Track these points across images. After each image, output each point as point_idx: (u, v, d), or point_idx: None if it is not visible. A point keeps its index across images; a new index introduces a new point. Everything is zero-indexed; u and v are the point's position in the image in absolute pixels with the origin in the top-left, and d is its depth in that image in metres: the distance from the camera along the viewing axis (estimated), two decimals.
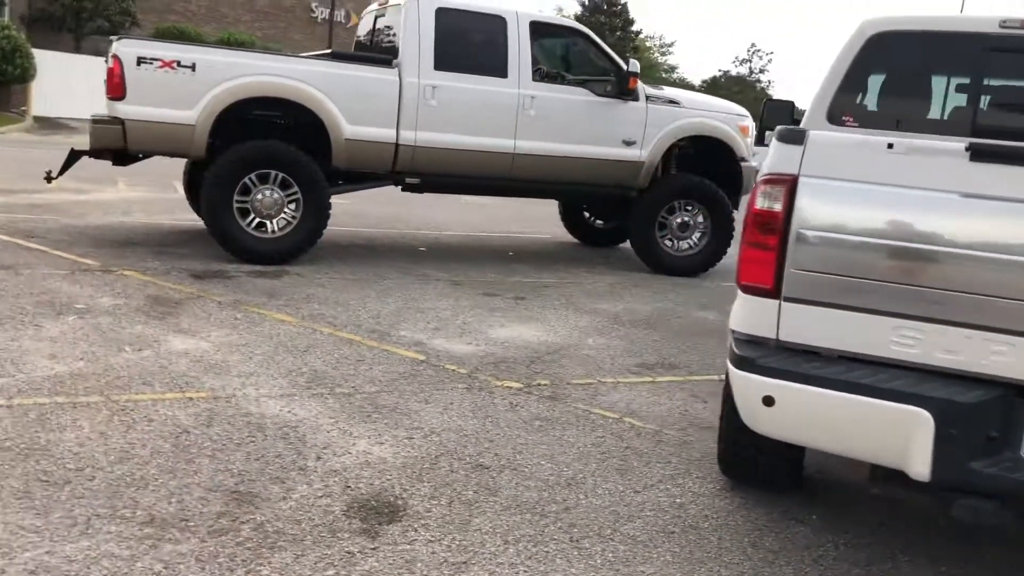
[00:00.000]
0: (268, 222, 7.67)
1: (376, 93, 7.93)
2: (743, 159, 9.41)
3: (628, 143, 8.84)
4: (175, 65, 7.26)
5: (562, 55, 9.05)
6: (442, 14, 8.17)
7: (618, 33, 47.06)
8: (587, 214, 11.00)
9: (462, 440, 4.09)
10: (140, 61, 7.18)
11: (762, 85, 59.39)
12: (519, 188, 8.99)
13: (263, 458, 3.70)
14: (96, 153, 7.93)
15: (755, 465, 3.65)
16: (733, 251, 9.26)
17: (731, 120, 9.32)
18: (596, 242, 10.96)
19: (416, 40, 8.03)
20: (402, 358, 5.33)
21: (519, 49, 8.39)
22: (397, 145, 8.03)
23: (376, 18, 9.03)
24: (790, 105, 6.41)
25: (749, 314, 2.95)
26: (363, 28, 9.46)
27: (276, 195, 7.64)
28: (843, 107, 4.53)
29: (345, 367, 5.05)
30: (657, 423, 4.59)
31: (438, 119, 8.11)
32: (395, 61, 8.04)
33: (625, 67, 8.81)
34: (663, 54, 59.28)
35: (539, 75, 8.53)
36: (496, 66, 8.34)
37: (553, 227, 11.64)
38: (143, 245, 8.05)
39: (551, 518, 3.40)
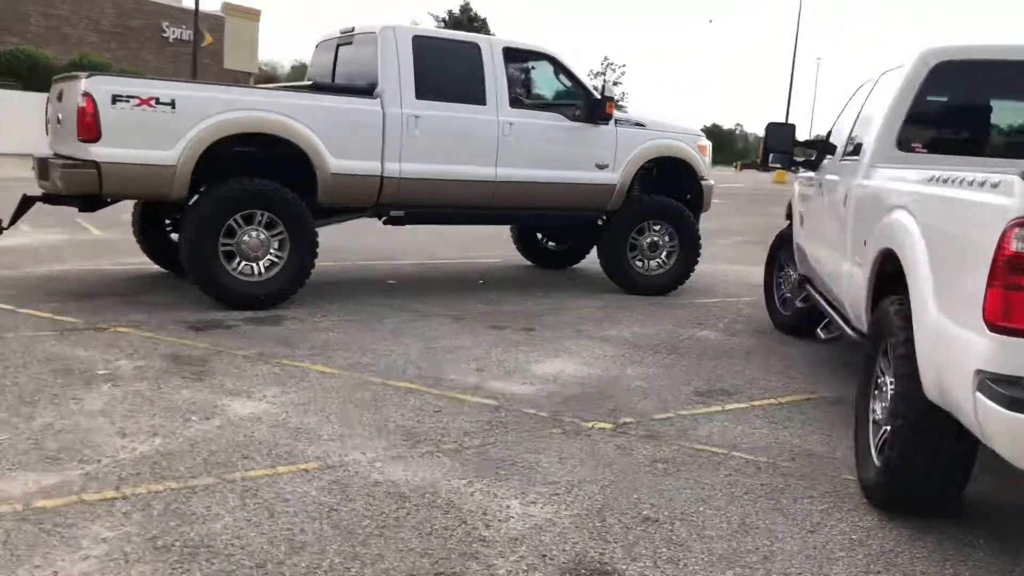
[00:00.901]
0: (254, 264, 7.26)
1: (360, 125, 7.66)
2: (703, 178, 9.61)
3: (601, 167, 8.88)
4: (153, 103, 6.79)
5: (534, 80, 8.99)
6: (418, 42, 7.97)
7: None
8: (540, 236, 10.97)
9: (607, 492, 3.98)
10: (115, 99, 6.67)
11: (616, 98, 61.10)
12: (498, 216, 8.91)
13: (433, 532, 3.48)
14: (55, 199, 7.33)
15: (920, 493, 3.70)
16: (699, 267, 9.47)
17: (691, 140, 9.51)
18: (549, 264, 10.95)
19: (396, 69, 7.80)
20: (475, 405, 5.14)
21: (495, 75, 8.29)
22: (382, 178, 7.76)
23: (338, 47, 8.71)
24: (792, 128, 6.62)
25: (1011, 356, 2.96)
26: (319, 59, 9.09)
27: (262, 236, 7.27)
28: (912, 135, 4.68)
29: (428, 420, 4.83)
30: (766, 455, 4.60)
31: (421, 149, 7.91)
32: (376, 91, 7.77)
33: (594, 91, 8.84)
34: None
35: (515, 101, 8.44)
36: (474, 93, 8.21)
37: (501, 249, 11.59)
38: (107, 296, 7.49)
39: (760, 569, 3.34)
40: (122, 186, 6.84)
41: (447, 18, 48.85)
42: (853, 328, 5.18)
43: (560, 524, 3.62)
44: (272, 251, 7.33)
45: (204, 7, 39.19)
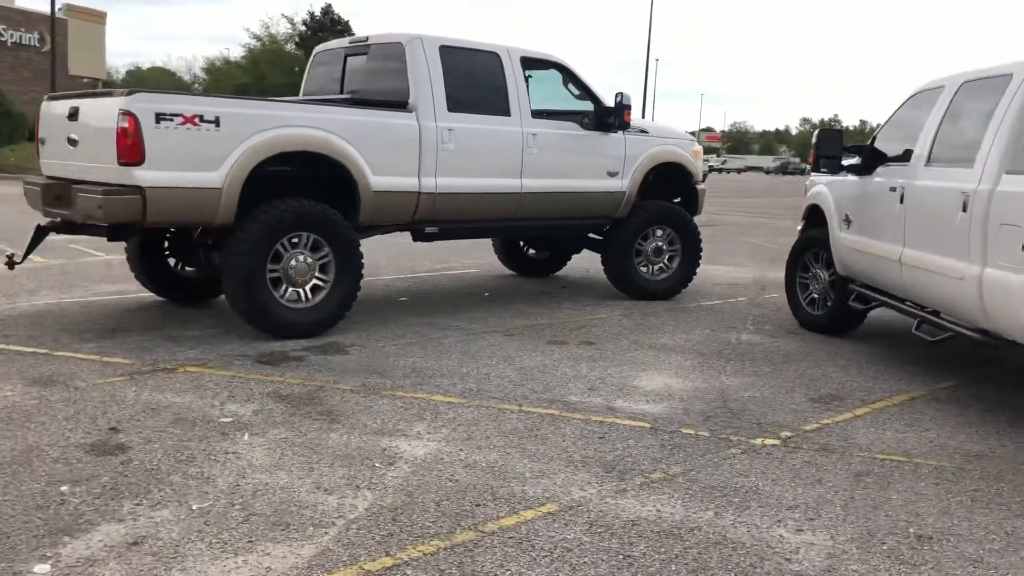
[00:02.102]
0: (300, 290, 6.84)
1: (398, 140, 7.35)
2: (697, 182, 9.77)
3: (612, 174, 8.88)
4: (197, 120, 6.27)
5: (548, 89, 8.86)
6: (445, 52, 7.72)
7: None
8: (522, 245, 10.85)
9: (855, 511, 3.97)
10: (159, 118, 6.12)
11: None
12: (522, 228, 8.75)
13: (749, 571, 3.38)
14: (74, 228, 6.69)
15: None
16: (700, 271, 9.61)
17: (687, 146, 9.65)
18: (529, 272, 10.86)
19: (428, 81, 7.52)
20: (630, 428, 5.02)
21: (517, 85, 8.15)
22: (419, 194, 7.48)
23: (346, 58, 8.31)
24: (839, 135, 6.83)
25: None
26: (320, 71, 8.65)
27: (309, 260, 6.85)
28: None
29: (604, 447, 4.68)
30: (944, 459, 4.70)
31: (455, 163, 7.67)
32: (410, 105, 7.47)
33: (603, 99, 8.83)
34: None
35: (535, 111, 8.31)
36: (499, 105, 8.03)
37: (472, 259, 11.42)
38: (131, 331, 6.91)
39: None
40: (166, 213, 6.28)
41: (308, 20, 47.53)
42: (974, 329, 5.38)
43: (850, 551, 3.58)
44: (318, 275, 6.91)
45: (42, 8, 36.66)
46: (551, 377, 6.01)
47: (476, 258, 11.68)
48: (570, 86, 8.80)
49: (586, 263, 11.31)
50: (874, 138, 7.23)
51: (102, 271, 9.54)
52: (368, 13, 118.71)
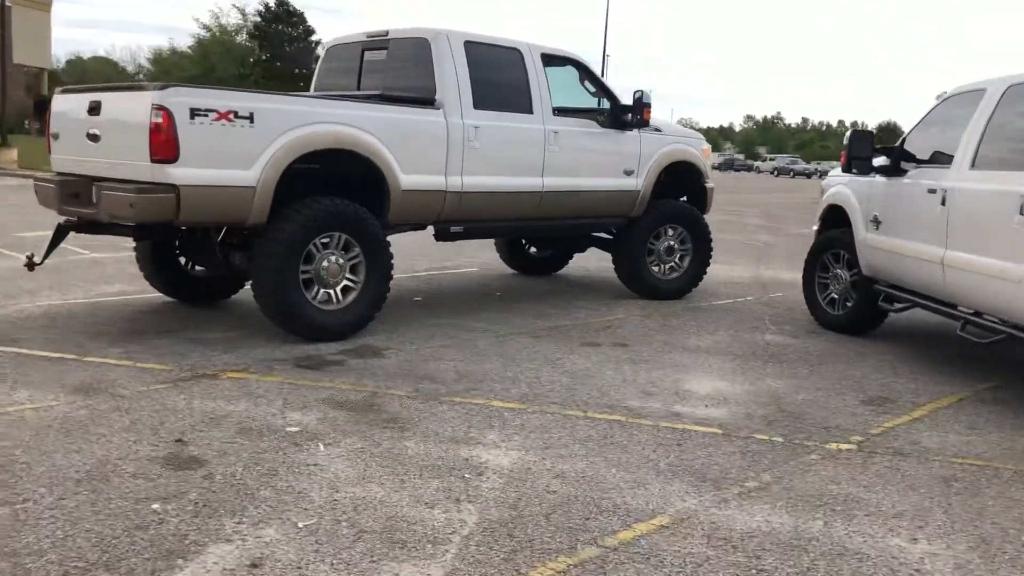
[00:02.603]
0: (332, 292, 6.65)
1: (427, 137, 7.19)
2: (706, 180, 9.76)
3: (628, 173, 8.82)
4: (232, 116, 6.05)
5: (566, 86, 8.75)
6: (470, 47, 7.57)
7: (298, 44, 45.71)
8: (524, 243, 10.75)
9: (960, 518, 3.97)
10: (194, 114, 5.88)
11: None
12: (541, 227, 8.63)
13: None
14: (97, 227, 6.43)
15: None
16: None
17: (697, 144, 9.63)
18: (531, 271, 10.76)
19: (455, 77, 7.37)
20: (703, 435, 4.96)
21: (539, 83, 8.03)
22: (445, 192, 7.33)
23: (363, 52, 8.11)
24: (871, 136, 6.86)
25: None
26: (333, 64, 8.43)
27: (340, 260, 6.67)
28: None
29: (683, 454, 4.62)
30: (1020, 462, 4.72)
31: (481, 162, 7.53)
32: (437, 101, 7.31)
33: (619, 97, 8.76)
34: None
35: (556, 109, 8.21)
36: (522, 102, 7.91)
37: (467, 258, 11.29)
38: (152, 334, 6.67)
39: None
40: (199, 212, 6.05)
41: (263, 11, 46.72)
42: None
43: (973, 561, 3.56)
44: (348, 276, 6.73)
45: None
46: (600, 381, 5.92)
47: (473, 256, 11.54)
48: (586, 83, 8.70)
49: (586, 262, 11.25)
50: (903, 140, 7.26)
51: (96, 270, 9.20)
52: (319, 4, 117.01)
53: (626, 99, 8.79)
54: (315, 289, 6.55)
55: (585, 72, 8.62)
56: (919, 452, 4.81)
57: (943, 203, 6.31)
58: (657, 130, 9.05)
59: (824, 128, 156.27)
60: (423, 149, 7.12)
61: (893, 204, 7.08)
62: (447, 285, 9.69)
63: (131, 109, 6.01)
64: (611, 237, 9.34)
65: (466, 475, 4.14)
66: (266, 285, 6.32)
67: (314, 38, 48.57)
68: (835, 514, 3.93)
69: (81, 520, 3.45)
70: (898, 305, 7.15)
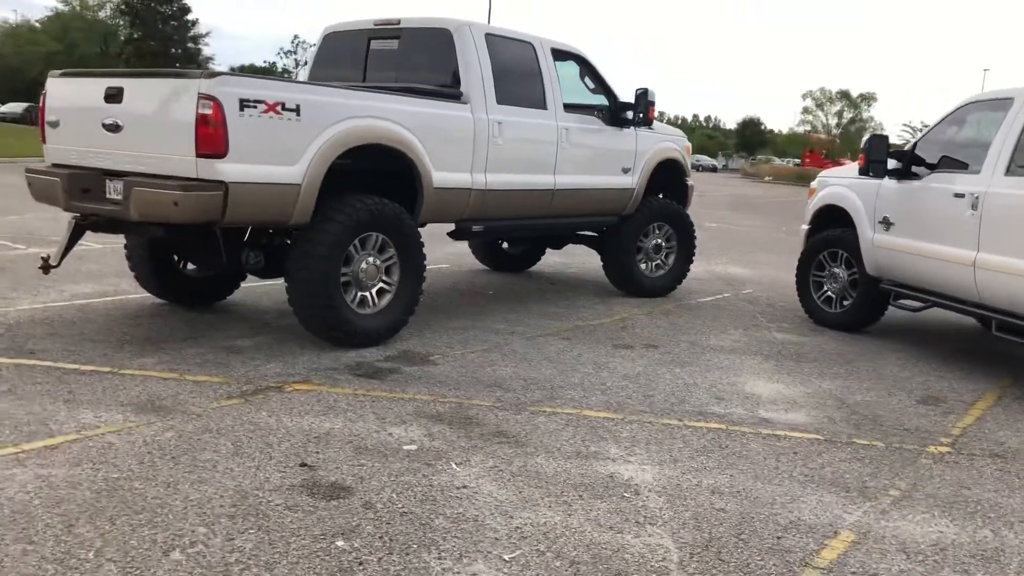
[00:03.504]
0: (368, 295, 6.35)
1: (456, 134, 6.95)
2: (688, 177, 9.86)
3: (626, 171, 8.80)
4: (280, 109, 5.65)
5: (571, 82, 8.61)
6: (490, 40, 7.36)
7: (173, 23, 43.54)
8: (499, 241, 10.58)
9: None
10: (243, 105, 5.46)
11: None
12: (548, 226, 8.47)
13: None
14: (121, 227, 5.92)
15: None
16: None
17: (681, 142, 9.70)
18: (505, 267, 10.61)
19: (479, 71, 7.14)
20: (808, 440, 4.98)
21: (551, 78, 7.90)
22: (471, 190, 7.11)
23: (370, 41, 7.74)
24: (886, 140, 7.10)
25: None
26: (332, 53, 8.00)
27: (377, 262, 6.37)
28: None
29: (808, 463, 4.62)
30: None
31: (503, 158, 7.34)
32: (464, 95, 7.07)
33: (616, 94, 8.73)
34: (196, 43, 56.07)
35: (566, 105, 8.09)
36: (537, 97, 7.76)
37: (436, 252, 10.99)
38: (174, 341, 6.21)
39: None
40: (245, 211, 5.62)
41: None
42: None
43: None
44: (383, 279, 6.43)
45: None
46: (664, 385, 5.87)
47: (437, 251, 11.22)
48: (586, 79, 8.59)
49: (557, 258, 11.19)
50: (915, 145, 7.48)
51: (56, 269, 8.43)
52: None
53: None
54: (352, 292, 6.21)
55: (587, 67, 8.51)
56: (1011, 454, 4.96)
57: (973, 208, 6.52)
58: (649, 128, 9.02)
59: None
60: (453, 145, 6.86)
61: (908, 206, 7.29)
62: (434, 284, 9.38)
63: (169, 98, 5.52)
64: (597, 235, 9.23)
65: (625, 494, 4.00)
66: (309, 289, 5.95)
67: (190, 17, 46.37)
68: (992, 520, 3.99)
69: (275, 564, 3.12)
70: (916, 305, 7.36)
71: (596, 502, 3.87)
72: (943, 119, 7.38)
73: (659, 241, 9.33)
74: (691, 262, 9.63)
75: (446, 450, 4.37)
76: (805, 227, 8.82)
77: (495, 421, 4.86)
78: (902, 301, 7.52)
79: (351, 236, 6.06)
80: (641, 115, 8.47)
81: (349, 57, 7.82)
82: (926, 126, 34.23)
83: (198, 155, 5.36)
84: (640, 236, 9.19)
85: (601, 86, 8.60)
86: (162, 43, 46.35)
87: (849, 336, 7.90)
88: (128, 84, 5.75)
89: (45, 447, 4.06)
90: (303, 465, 4.05)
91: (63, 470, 3.82)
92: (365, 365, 5.84)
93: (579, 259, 11.49)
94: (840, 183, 8.31)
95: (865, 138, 7.60)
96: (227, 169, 5.39)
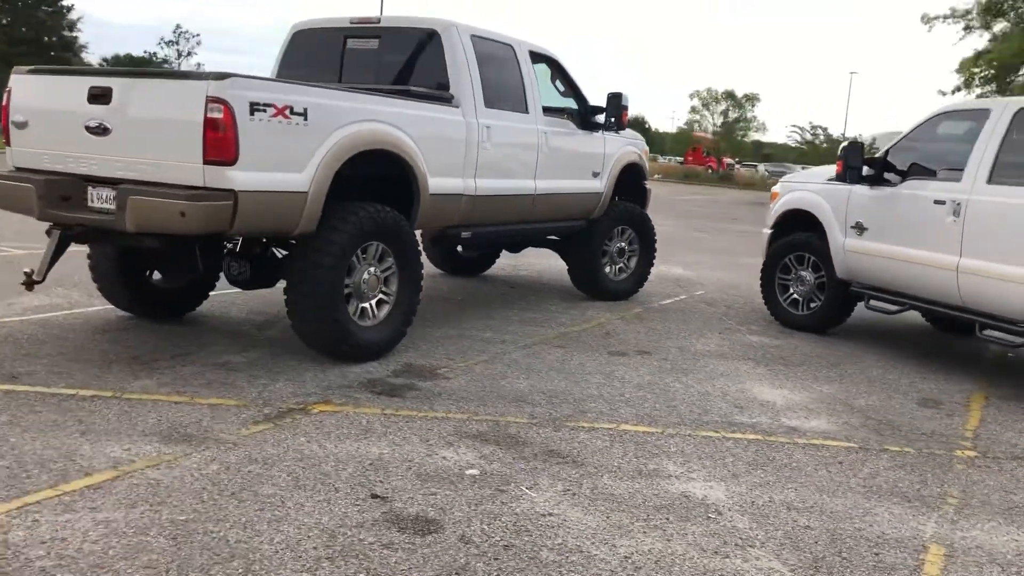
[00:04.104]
0: (368, 306, 6.12)
1: (450, 138, 6.76)
2: (647, 180, 9.92)
3: (595, 175, 8.77)
4: (288, 112, 5.36)
5: (544, 85, 8.49)
6: (475, 42, 7.20)
7: (46, 7, 41.16)
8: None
9: None
10: (253, 109, 5.15)
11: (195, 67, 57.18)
12: (527, 232, 8.32)
13: None
14: (108, 237, 5.54)
15: None
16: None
17: (640, 146, 9.74)
18: (459, 271, 10.45)
19: (468, 74, 6.97)
20: (844, 450, 5.03)
21: (531, 81, 7.80)
22: (462, 196, 6.94)
23: (346, 39, 7.45)
24: (862, 147, 7.33)
25: None
26: (300, 53, 7.64)
27: (377, 272, 6.14)
28: None
29: (858, 472, 4.66)
30: None
31: (491, 163, 7.20)
32: (455, 99, 6.88)
33: (586, 97, 8.69)
34: (72, 30, 53.22)
35: (544, 109, 8.00)
36: (519, 101, 7.64)
37: None
38: (168, 360, 5.82)
39: None
40: (253, 221, 5.30)
41: None
42: None
43: None
44: (382, 289, 6.20)
45: None
46: (680, 394, 5.87)
47: None
48: (557, 82, 8.50)
49: (507, 260, 11.10)
50: (887, 152, 7.69)
51: None
52: None
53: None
54: (353, 304, 5.95)
55: (558, 70, 8.42)
56: None
57: (955, 214, 6.74)
58: (616, 132, 9.00)
59: None
60: (447, 150, 6.67)
61: (883, 212, 7.48)
62: None
63: (171, 100, 5.16)
64: (562, 239, 9.15)
65: (709, 515, 3.94)
66: (316, 302, 5.65)
67: (65, 2, 43.83)
68: None
69: None
70: (891, 308, 7.57)
71: (687, 525, 3.79)
72: (915, 128, 7.61)
73: (623, 244, 9.33)
74: (652, 265, 9.66)
75: (509, 474, 4.21)
76: (767, 231, 8.94)
77: (540, 439, 4.72)
78: (874, 303, 7.70)
79: (355, 245, 5.81)
80: (613, 119, 8.41)
81: (322, 57, 7.50)
82: (816, 126, 35.74)
83: (206, 162, 5.01)
84: (605, 240, 9.14)
85: (572, 89, 8.52)
86: (34, 30, 43.76)
87: (818, 338, 8.07)
88: (118, 84, 5.33)
89: (87, 487, 3.70)
90: (374, 497, 3.82)
91: (120, 513, 3.48)
92: (378, 382, 5.59)
93: (527, 261, 11.42)
94: (807, 188, 8.48)
95: (842, 145, 7.76)
96: (237, 177, 5.07)
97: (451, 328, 7.29)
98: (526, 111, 7.60)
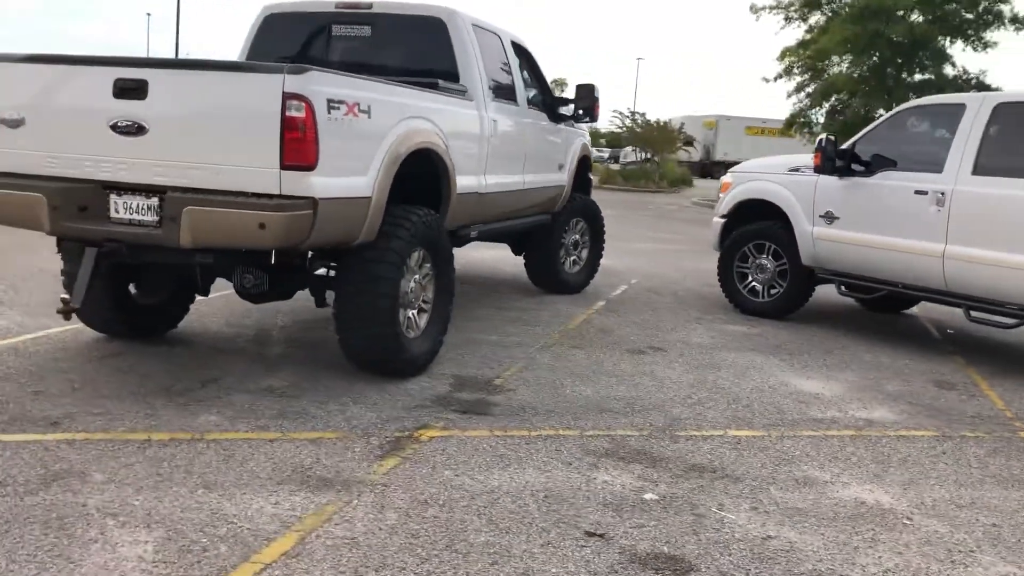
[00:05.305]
0: (412, 315, 5.75)
1: (470, 133, 6.43)
2: (591, 171, 9.89)
3: (560, 167, 8.65)
4: (356, 110, 4.90)
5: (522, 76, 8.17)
6: (477, 32, 6.88)
7: None
8: None
9: None
10: (330, 106, 4.66)
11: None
12: (511, 228, 8.02)
13: None
14: (152, 253, 4.89)
15: None
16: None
17: (586, 137, 9.68)
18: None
19: (475, 65, 6.65)
20: (928, 439, 5.20)
21: (518, 71, 7.55)
22: (477, 194, 6.65)
23: (331, 25, 6.88)
24: (835, 140, 7.70)
25: None
26: (277, 36, 6.99)
27: (421, 280, 5.77)
28: None
29: (976, 464, 4.82)
30: None
31: (496, 158, 6.92)
32: (468, 92, 6.54)
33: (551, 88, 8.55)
34: None
35: (528, 100, 7.78)
36: (510, 92, 7.38)
37: None
38: (202, 386, 5.18)
39: None
40: (326, 232, 4.75)
41: None
42: None
43: None
44: (423, 297, 5.83)
45: None
46: (737, 392, 5.87)
47: None
48: (526, 72, 8.26)
49: None
50: (853, 144, 8.02)
51: None
52: None
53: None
54: (401, 315, 5.53)
55: (528, 60, 8.17)
56: None
57: (939, 204, 7.12)
58: (573, 123, 8.88)
59: None
60: (467, 145, 6.33)
61: (857, 201, 7.79)
62: None
63: (234, 95, 4.55)
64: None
65: (903, 522, 3.96)
66: (376, 315, 5.18)
67: None
68: None
69: None
70: (867, 297, 7.94)
71: (897, 535, 3.78)
72: (882, 121, 7.98)
73: (576, 237, 9.24)
74: (601, 257, 9.61)
75: (683, 494, 4.05)
76: (719, 220, 9.11)
77: (672, 454, 4.58)
78: (844, 291, 8.04)
79: (409, 252, 5.37)
80: (582, 111, 8.27)
81: (302, 43, 6.87)
82: (635, 112, 36.82)
83: (283, 167, 4.45)
84: (563, 233, 9.02)
85: (537, 80, 8.29)
86: None
87: (785, 324, 8.32)
88: (157, 76, 4.62)
89: (284, 556, 3.20)
90: (591, 535, 3.54)
91: None
92: (448, 399, 5.23)
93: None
94: (766, 178, 8.69)
95: (819, 138, 8.00)
96: (317, 183, 4.55)
97: (451, 333, 6.90)
98: (516, 103, 7.30)
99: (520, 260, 9.06)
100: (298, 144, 4.41)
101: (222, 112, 4.52)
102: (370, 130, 4.94)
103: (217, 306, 6.94)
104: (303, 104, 4.39)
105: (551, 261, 8.88)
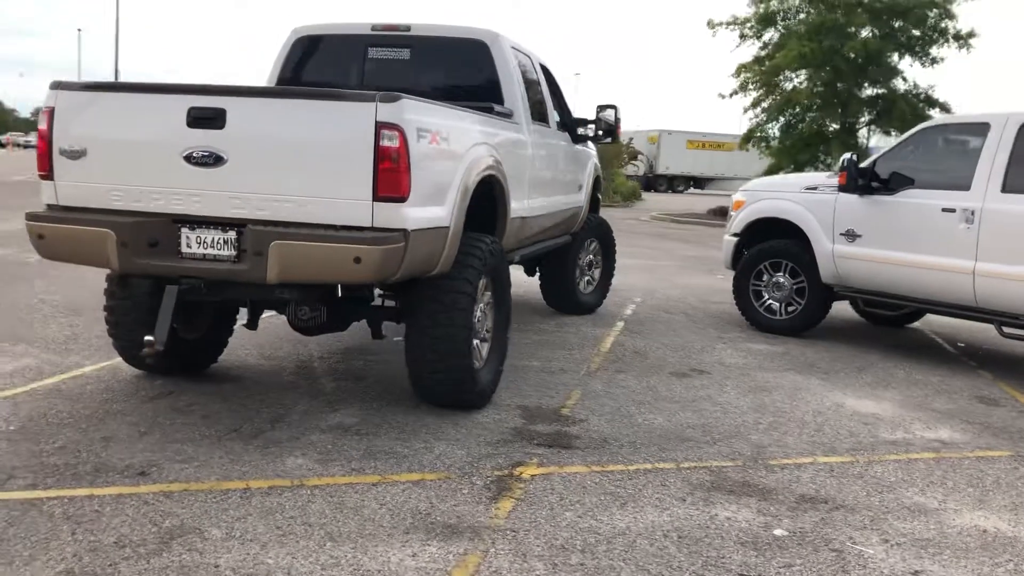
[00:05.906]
0: (477, 345, 5.61)
1: (520, 156, 6.33)
2: (600, 191, 9.85)
3: (579, 188, 8.60)
4: (438, 138, 4.77)
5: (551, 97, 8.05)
6: (515, 53, 6.79)
7: None
8: None
9: None
10: (420, 135, 4.53)
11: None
12: (540, 252, 7.88)
13: None
14: (232, 291, 4.70)
15: None
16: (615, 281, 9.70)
17: (595, 156, 9.64)
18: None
19: (517, 88, 6.55)
20: (1008, 460, 5.23)
21: (546, 91, 7.47)
22: (522, 219, 6.55)
23: (367, 48, 6.72)
24: (857, 160, 7.80)
25: None
26: (308, 56, 6.80)
27: (485, 309, 5.65)
28: None
29: None
30: None
31: (536, 181, 6.83)
32: (514, 115, 6.44)
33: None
34: None
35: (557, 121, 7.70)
36: (544, 114, 7.30)
37: None
38: (272, 428, 4.96)
39: None
40: (412, 264, 4.61)
41: None
42: None
43: None
44: (486, 327, 5.70)
45: None
46: (800, 416, 5.85)
47: None
48: (552, 94, 8.17)
49: None
50: (874, 163, 8.10)
51: None
52: None
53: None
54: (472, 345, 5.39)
55: (552, 81, 8.09)
56: None
57: (968, 221, 7.22)
58: (587, 143, 8.84)
59: None
60: (517, 170, 6.21)
61: (879, 219, 7.86)
62: None
63: (322, 124, 4.37)
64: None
65: None
66: (454, 347, 5.03)
67: None
68: None
69: None
70: (892, 314, 8.03)
71: None
72: (903, 140, 8.07)
73: (591, 257, 9.19)
74: (612, 276, 9.56)
75: (811, 529, 3.98)
76: (731, 238, 9.14)
77: (777, 485, 4.51)
78: (866, 307, 8.11)
79: (480, 282, 5.24)
80: (602, 132, 8.22)
81: (336, 66, 6.68)
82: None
83: (377, 198, 4.28)
84: (578, 253, 8.96)
85: (559, 101, 8.22)
86: None
87: (806, 341, 8.36)
88: (235, 105, 4.41)
89: None
90: None
91: None
92: (529, 432, 5.10)
93: None
94: (782, 197, 8.73)
95: (843, 158, 8.06)
96: (410, 214, 4.39)
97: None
98: (549, 125, 7.22)
99: (526, 280, 8.94)
100: (392, 175, 4.25)
101: (308, 142, 4.34)
102: (449, 158, 4.79)
103: (244, 336, 6.67)
104: (396, 133, 4.23)
105: (568, 281, 8.79)
